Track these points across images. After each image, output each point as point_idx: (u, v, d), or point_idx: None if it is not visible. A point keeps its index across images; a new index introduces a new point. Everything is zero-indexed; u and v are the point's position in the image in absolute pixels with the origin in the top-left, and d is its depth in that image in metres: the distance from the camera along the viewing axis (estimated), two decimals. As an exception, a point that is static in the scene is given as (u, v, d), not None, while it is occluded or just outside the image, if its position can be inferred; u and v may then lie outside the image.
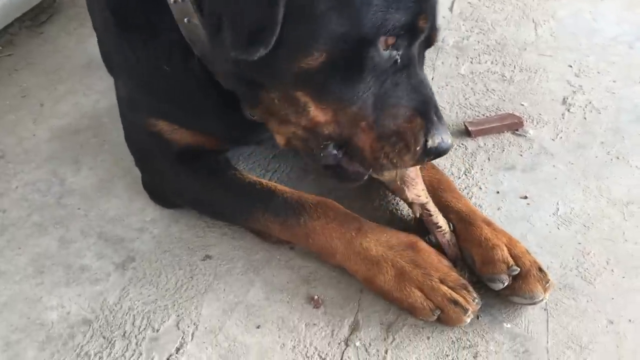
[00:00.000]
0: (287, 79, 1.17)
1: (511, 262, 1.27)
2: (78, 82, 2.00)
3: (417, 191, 1.36)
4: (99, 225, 1.52)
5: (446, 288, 1.23)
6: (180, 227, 1.51)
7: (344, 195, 1.55)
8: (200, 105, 1.39)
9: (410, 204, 1.38)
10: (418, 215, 1.37)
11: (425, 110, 1.20)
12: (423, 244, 1.32)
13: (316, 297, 1.33)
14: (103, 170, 1.67)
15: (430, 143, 1.19)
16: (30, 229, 1.52)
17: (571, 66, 1.95)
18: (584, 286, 1.31)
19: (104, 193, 1.61)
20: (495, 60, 2.00)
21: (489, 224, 1.34)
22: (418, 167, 1.37)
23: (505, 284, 1.26)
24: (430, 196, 1.38)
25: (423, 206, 1.36)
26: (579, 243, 1.40)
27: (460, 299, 1.22)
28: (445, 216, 1.36)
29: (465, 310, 1.21)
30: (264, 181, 1.46)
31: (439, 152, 1.21)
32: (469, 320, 1.23)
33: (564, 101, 1.82)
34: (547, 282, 1.26)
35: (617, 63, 1.94)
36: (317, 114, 1.20)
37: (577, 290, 1.30)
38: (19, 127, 1.82)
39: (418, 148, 1.19)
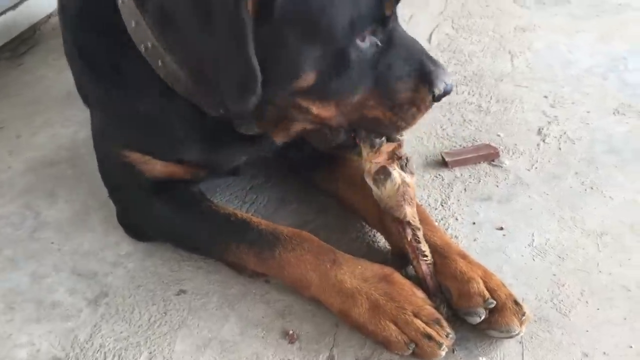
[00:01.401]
0: (286, 100, 1.24)
1: (487, 295, 1.26)
2: (56, 114, 1.99)
3: (413, 212, 1.35)
4: (72, 259, 1.50)
5: (420, 322, 1.23)
6: (154, 261, 1.49)
7: (321, 227, 1.55)
8: (179, 136, 1.39)
9: (404, 225, 1.34)
10: (409, 239, 1.34)
11: (424, 70, 1.27)
12: (397, 276, 1.31)
13: (291, 331, 1.31)
14: (79, 203, 1.66)
15: (437, 92, 1.27)
16: (1, 263, 1.50)
17: (546, 97, 1.98)
18: (559, 318, 1.31)
19: (79, 226, 1.59)
20: (472, 91, 2.03)
21: (464, 256, 1.34)
22: (414, 190, 1.37)
23: (482, 317, 1.25)
24: None
25: (415, 231, 1.34)
26: (554, 274, 1.41)
27: (434, 333, 1.21)
28: None
29: (440, 345, 1.21)
30: (239, 212, 1.45)
31: (446, 93, 1.30)
32: (444, 354, 1.22)
33: (539, 132, 1.84)
34: (523, 315, 1.25)
35: (591, 94, 1.97)
36: (321, 111, 1.26)
37: (552, 322, 1.30)
38: (-6, 160, 1.82)
39: (428, 103, 1.28)
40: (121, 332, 1.33)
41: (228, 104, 1.18)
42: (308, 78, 1.18)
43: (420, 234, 1.34)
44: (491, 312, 1.26)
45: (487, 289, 1.27)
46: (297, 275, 1.34)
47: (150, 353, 1.28)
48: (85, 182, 1.72)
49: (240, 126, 1.37)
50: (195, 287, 1.42)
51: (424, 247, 1.33)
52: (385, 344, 1.25)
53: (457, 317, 1.29)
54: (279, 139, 1.41)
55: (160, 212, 1.45)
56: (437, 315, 1.25)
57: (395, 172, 1.33)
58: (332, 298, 1.30)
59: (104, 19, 1.32)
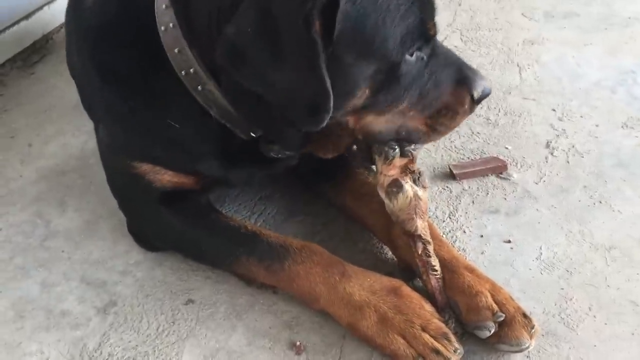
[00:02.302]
0: (337, 117, 1.26)
1: (496, 308, 1.27)
2: (67, 123, 2.01)
3: (425, 226, 1.35)
4: (82, 268, 1.51)
5: (428, 337, 1.23)
6: (164, 270, 1.50)
7: (329, 238, 1.56)
8: (200, 152, 1.43)
9: (415, 237, 1.34)
10: (419, 252, 1.34)
11: (463, 76, 1.34)
12: (406, 289, 1.32)
13: (298, 343, 1.32)
14: (89, 212, 1.68)
15: (476, 94, 1.35)
16: (12, 272, 1.51)
17: (555, 110, 1.98)
18: (567, 333, 1.31)
19: (89, 235, 1.61)
20: (481, 104, 2.02)
21: (471, 270, 1.34)
22: (427, 203, 1.37)
23: (492, 331, 1.25)
24: None
25: (425, 244, 1.34)
26: (562, 288, 1.41)
27: (442, 348, 1.21)
28: None
29: (447, 359, 1.21)
30: (249, 224, 1.46)
31: (486, 95, 1.38)
32: (451, 368, 1.22)
33: (548, 145, 1.84)
34: (532, 328, 1.26)
35: (600, 107, 1.98)
36: (366, 126, 1.31)
37: (559, 337, 1.30)
38: (6, 168, 1.83)
39: (466, 106, 1.35)
40: (130, 341, 1.34)
41: (299, 125, 1.25)
42: (363, 95, 1.24)
43: (431, 248, 1.34)
44: (500, 326, 1.26)
45: (496, 303, 1.28)
46: (306, 287, 1.34)
47: (158, 363, 1.29)
48: (95, 191, 1.74)
49: (270, 150, 1.39)
50: (204, 297, 1.43)
51: (434, 261, 1.33)
52: (393, 357, 1.25)
53: (466, 331, 1.29)
54: (325, 156, 1.41)
55: (169, 223, 1.46)
56: (446, 329, 1.25)
57: (408, 185, 1.33)
58: (341, 310, 1.31)
59: (137, 39, 1.36)
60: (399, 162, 1.34)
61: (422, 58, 1.29)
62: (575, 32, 2.37)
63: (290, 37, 1.14)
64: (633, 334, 1.30)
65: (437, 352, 1.21)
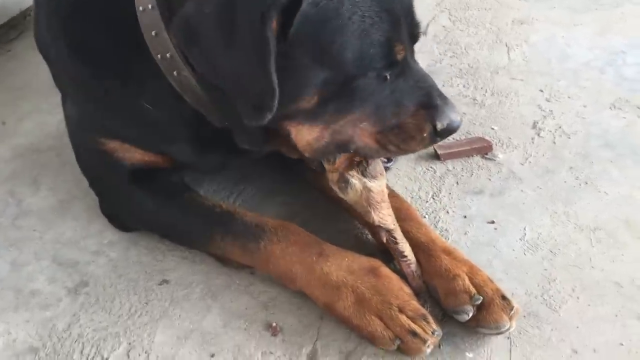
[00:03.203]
0: (280, 118, 1.21)
1: (473, 291, 1.23)
2: (44, 101, 1.96)
3: (383, 215, 1.33)
4: (53, 248, 1.47)
5: (405, 318, 1.20)
6: (138, 250, 1.46)
7: (309, 218, 1.52)
8: (172, 136, 1.39)
9: (376, 228, 1.34)
10: (385, 241, 1.33)
11: (428, 101, 1.24)
12: (385, 270, 1.28)
13: (274, 324, 1.28)
14: (63, 191, 1.63)
15: (439, 126, 1.23)
16: (-19, 251, 1.47)
17: (542, 90, 1.94)
18: (549, 314, 1.28)
19: (62, 214, 1.56)
20: (467, 84, 1.99)
21: (449, 253, 1.31)
22: (384, 191, 1.34)
23: (470, 314, 1.22)
24: None
25: (389, 232, 1.32)
26: (545, 269, 1.38)
27: (419, 330, 1.18)
28: None
29: (425, 341, 1.18)
30: (224, 204, 1.42)
31: (451, 130, 1.26)
32: (429, 350, 1.19)
33: (534, 125, 1.80)
34: (512, 310, 1.22)
35: (588, 88, 1.94)
36: (302, 135, 1.24)
37: (541, 318, 1.27)
38: (-22, 146, 1.78)
39: (425, 134, 1.24)
40: (100, 322, 1.30)
41: (244, 119, 1.19)
42: (311, 100, 1.19)
43: (397, 234, 1.31)
44: (479, 309, 1.23)
45: (474, 285, 1.25)
46: (283, 268, 1.31)
47: (130, 344, 1.25)
48: (71, 170, 1.68)
49: (243, 141, 1.34)
50: (179, 277, 1.39)
51: (402, 247, 1.31)
52: (370, 339, 1.22)
53: (446, 314, 1.26)
54: (290, 155, 1.37)
55: (140, 202, 1.42)
56: (423, 311, 1.22)
57: (354, 179, 1.30)
58: (318, 291, 1.28)
59: (113, 17, 1.31)
60: (342, 157, 1.30)
61: (385, 77, 1.21)
62: (565, 12, 2.33)
63: (245, 30, 1.11)
64: (616, 316, 1.27)
65: (415, 333, 1.18)
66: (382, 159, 1.36)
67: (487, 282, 1.25)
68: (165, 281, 1.39)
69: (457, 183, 1.62)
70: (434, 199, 1.58)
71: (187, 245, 1.44)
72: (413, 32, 1.26)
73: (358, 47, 1.16)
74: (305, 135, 1.24)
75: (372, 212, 1.32)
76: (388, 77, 1.21)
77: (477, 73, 2.04)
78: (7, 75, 2.08)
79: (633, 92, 1.90)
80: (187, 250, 1.45)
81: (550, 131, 1.78)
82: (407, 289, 1.26)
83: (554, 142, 1.74)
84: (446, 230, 1.49)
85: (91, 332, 1.28)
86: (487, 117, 1.84)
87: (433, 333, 1.19)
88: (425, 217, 1.51)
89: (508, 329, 1.22)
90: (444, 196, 1.58)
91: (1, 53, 2.20)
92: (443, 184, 1.62)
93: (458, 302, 1.23)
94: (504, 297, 1.23)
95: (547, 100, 1.90)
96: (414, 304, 1.22)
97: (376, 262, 1.30)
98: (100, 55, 1.34)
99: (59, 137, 1.81)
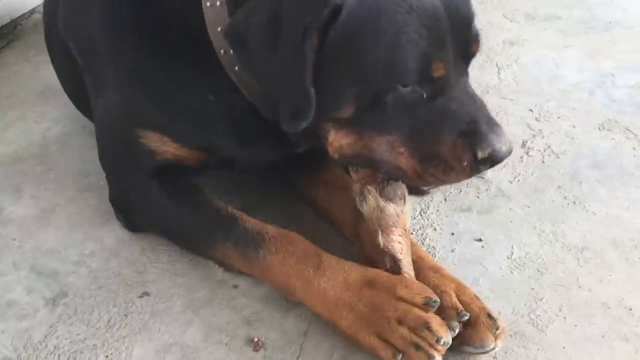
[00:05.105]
0: (315, 124, 1.23)
1: (460, 307, 1.21)
2: (30, 110, 1.94)
3: (391, 240, 1.28)
4: (33, 257, 1.44)
5: (406, 330, 1.16)
6: (120, 261, 1.43)
7: (316, 220, 1.50)
8: (224, 129, 1.39)
9: (381, 251, 1.28)
10: (388, 267, 1.28)
11: (472, 128, 1.17)
12: (380, 280, 1.24)
13: (256, 339, 1.26)
14: (45, 200, 1.60)
15: (480, 155, 1.16)
16: (-42, 259, 1.43)
17: (532, 110, 1.95)
18: (535, 334, 1.26)
19: (43, 224, 1.53)
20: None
21: (437, 270, 1.29)
22: (401, 217, 1.30)
23: (457, 331, 1.19)
24: None
25: (395, 260, 1.27)
26: (532, 288, 1.36)
27: (421, 342, 1.14)
28: None
29: (428, 353, 1.13)
30: (230, 207, 1.40)
31: (495, 160, 1.18)
32: (439, 360, 1.15)
33: (523, 144, 1.80)
34: (498, 329, 1.20)
35: (577, 109, 1.94)
36: (337, 139, 1.24)
37: (528, 337, 1.25)
38: (-39, 153, 1.76)
39: (465, 164, 1.17)
40: (78, 334, 1.27)
41: (282, 124, 1.23)
42: (348, 110, 1.20)
43: (403, 265, 1.26)
44: (465, 327, 1.20)
45: (461, 302, 1.23)
46: (281, 280, 1.30)
47: (107, 357, 1.22)
48: (55, 178, 1.67)
49: (290, 134, 1.33)
50: (160, 289, 1.37)
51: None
52: (375, 355, 1.19)
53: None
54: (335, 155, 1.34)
55: (155, 196, 1.41)
56: (425, 317, 1.17)
57: (371, 195, 1.28)
58: (318, 308, 1.26)
59: (181, 9, 1.33)
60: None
61: (422, 95, 1.17)
62: (556, 34, 2.35)
63: (287, 42, 1.15)
64: (603, 337, 1.25)
65: (417, 346, 1.14)
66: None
67: (474, 300, 1.23)
68: (146, 293, 1.36)
69: (445, 200, 1.61)
70: (421, 215, 1.57)
71: (191, 247, 1.43)
72: (465, 51, 1.22)
73: (388, 59, 1.15)
74: (340, 139, 1.25)
75: (380, 234, 1.28)
76: (425, 94, 1.17)
77: (467, 92, 2.04)
78: (-6, 83, 2.06)
79: (622, 114, 1.91)
80: (169, 263, 1.43)
81: (540, 150, 1.78)
82: (405, 294, 1.20)
83: (543, 162, 1.73)
84: (433, 247, 1.47)
85: (68, 344, 1.25)
86: (477, 136, 1.84)
87: (438, 341, 1.14)
88: (412, 233, 1.49)
89: (493, 349, 1.20)
90: (432, 213, 1.57)
91: (-11, 61, 2.18)
92: (431, 201, 1.60)
93: (444, 317, 1.20)
94: (490, 316, 1.21)
95: (537, 120, 1.90)
96: (415, 312, 1.18)
97: (372, 273, 1.26)
98: (168, 47, 1.35)
99: (44, 146, 1.79)
